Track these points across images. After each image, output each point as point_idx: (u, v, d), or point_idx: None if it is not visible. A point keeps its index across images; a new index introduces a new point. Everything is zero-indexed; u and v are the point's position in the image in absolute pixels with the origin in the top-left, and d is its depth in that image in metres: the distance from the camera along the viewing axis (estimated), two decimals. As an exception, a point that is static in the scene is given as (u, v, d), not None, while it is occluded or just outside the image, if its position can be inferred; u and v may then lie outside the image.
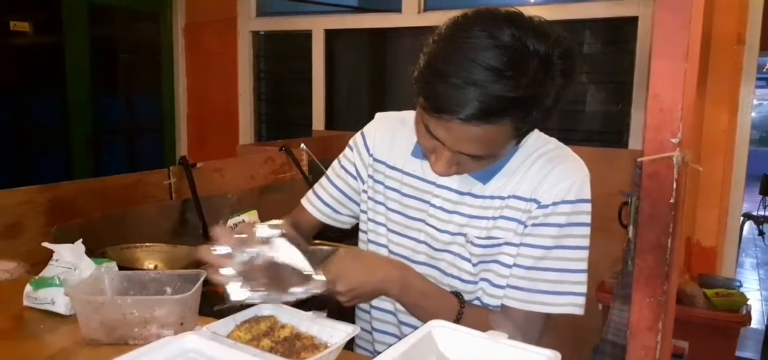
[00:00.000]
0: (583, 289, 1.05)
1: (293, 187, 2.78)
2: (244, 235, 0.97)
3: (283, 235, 0.99)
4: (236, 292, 0.95)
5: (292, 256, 0.98)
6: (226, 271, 0.96)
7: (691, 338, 2.49)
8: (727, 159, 2.91)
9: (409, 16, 3.51)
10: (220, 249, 0.96)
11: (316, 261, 1.01)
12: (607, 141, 3.22)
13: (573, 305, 1.04)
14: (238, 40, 4.08)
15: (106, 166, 3.78)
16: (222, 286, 0.96)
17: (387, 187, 1.20)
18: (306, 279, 0.98)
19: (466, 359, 0.87)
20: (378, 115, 1.28)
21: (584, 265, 1.05)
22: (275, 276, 0.98)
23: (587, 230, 1.05)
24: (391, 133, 1.22)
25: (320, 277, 0.99)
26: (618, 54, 3.17)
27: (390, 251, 1.19)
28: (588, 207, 1.05)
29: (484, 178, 1.09)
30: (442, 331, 0.90)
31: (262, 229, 0.98)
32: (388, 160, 1.21)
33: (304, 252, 0.99)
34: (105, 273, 1.12)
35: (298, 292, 0.98)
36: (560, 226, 1.03)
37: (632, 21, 2.99)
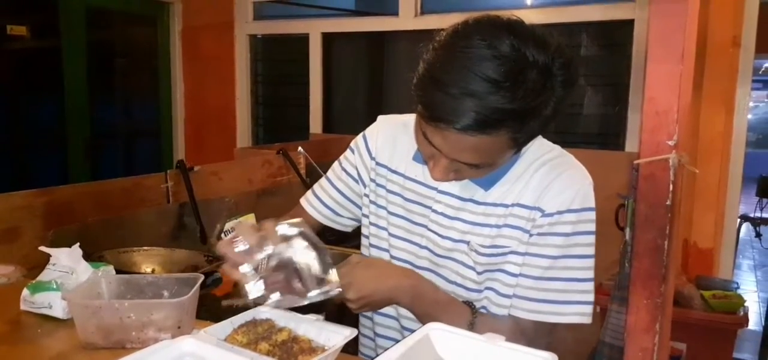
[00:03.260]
0: (590, 297, 1.04)
1: (291, 191, 2.78)
2: (264, 233, 0.97)
3: (301, 235, 0.98)
4: (255, 290, 0.95)
5: (308, 258, 0.97)
6: (245, 268, 0.95)
7: (689, 340, 2.50)
8: (723, 161, 2.92)
9: (406, 20, 3.51)
10: (241, 245, 0.95)
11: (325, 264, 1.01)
12: (603, 143, 3.23)
13: (580, 314, 1.04)
14: (235, 43, 4.08)
15: (103, 170, 3.77)
16: (240, 283, 0.96)
17: (389, 191, 1.19)
18: (321, 282, 0.98)
19: (463, 362, 0.87)
20: (380, 118, 1.27)
21: (591, 273, 1.05)
22: (292, 277, 0.97)
23: (592, 238, 1.05)
24: (393, 136, 1.21)
25: (336, 281, 0.98)
26: (614, 57, 3.18)
27: (391, 256, 1.18)
28: (592, 215, 1.04)
29: (486, 185, 1.08)
30: (439, 333, 0.90)
31: (283, 228, 0.97)
32: (390, 163, 1.20)
33: (322, 253, 0.99)
34: (102, 277, 1.12)
35: (314, 295, 0.98)
36: (566, 235, 1.03)
37: (628, 24, 3.00)
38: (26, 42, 3.45)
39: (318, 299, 0.98)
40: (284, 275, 0.97)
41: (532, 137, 1.00)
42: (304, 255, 0.97)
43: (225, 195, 2.42)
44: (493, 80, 0.86)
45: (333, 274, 0.99)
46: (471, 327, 1.04)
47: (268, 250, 0.96)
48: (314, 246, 0.98)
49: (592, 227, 1.05)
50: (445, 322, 0.93)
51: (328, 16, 3.95)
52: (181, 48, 4.24)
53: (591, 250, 1.05)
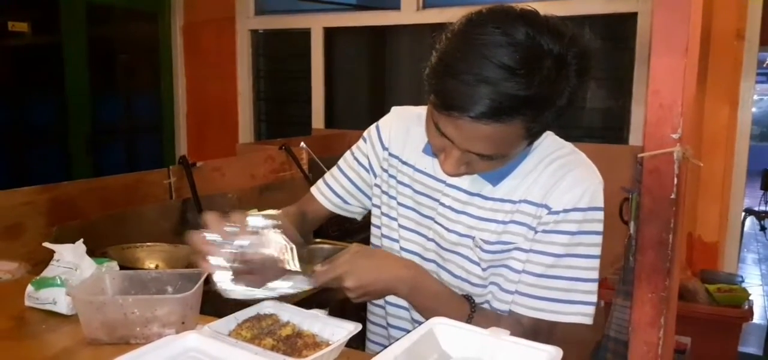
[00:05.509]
0: (593, 298, 1.03)
1: (293, 186, 2.78)
2: (235, 225, 0.96)
3: (276, 227, 0.98)
4: (223, 281, 0.95)
5: (280, 251, 0.97)
6: (215, 260, 0.95)
7: (694, 334, 2.49)
8: (727, 154, 2.91)
9: (408, 14, 3.50)
10: (211, 236, 0.95)
11: (317, 260, 1.01)
12: (607, 137, 3.22)
13: (582, 315, 1.03)
14: (237, 38, 4.07)
15: (105, 166, 3.77)
16: (209, 273, 0.96)
17: (399, 182, 1.19)
18: (292, 275, 0.97)
19: (467, 356, 0.87)
20: (394, 109, 1.26)
21: (595, 274, 1.03)
22: (263, 269, 0.97)
23: (599, 238, 1.03)
24: (406, 127, 1.21)
25: (306, 275, 0.98)
26: (617, 50, 3.16)
27: (401, 247, 1.18)
28: (600, 215, 1.03)
29: (495, 180, 1.07)
30: (443, 328, 0.90)
31: (255, 220, 0.97)
32: (402, 155, 1.20)
33: (298, 245, 0.99)
34: (106, 273, 1.12)
35: (282, 287, 0.97)
36: (571, 234, 1.02)
37: (632, 17, 2.99)
38: (27, 38, 3.45)
39: (285, 292, 0.98)
40: (253, 266, 0.97)
41: (546, 128, 0.98)
42: (275, 247, 0.97)
43: (227, 191, 2.43)
44: (508, 67, 0.85)
45: (303, 267, 0.98)
46: (469, 321, 1.04)
47: (240, 241, 0.95)
48: (288, 239, 0.98)
49: (599, 227, 1.03)
50: (443, 315, 0.93)
51: (329, 10, 3.94)
52: (183, 43, 4.24)
53: (596, 251, 1.03)
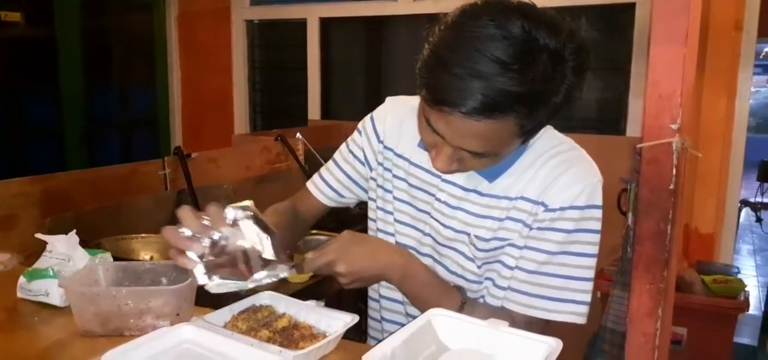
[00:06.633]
0: (587, 297, 1.01)
1: (289, 177, 2.77)
2: (209, 218, 0.94)
3: (251, 217, 0.95)
4: (201, 277, 0.92)
5: (256, 241, 0.95)
6: (191, 255, 0.92)
7: (690, 325, 2.50)
8: (724, 146, 2.91)
9: (405, 4, 3.49)
10: (185, 231, 0.92)
11: (311, 249, 0.99)
12: (604, 128, 3.21)
13: (574, 314, 1.01)
14: (232, 29, 4.05)
15: (100, 158, 3.75)
16: (186, 269, 0.93)
17: (394, 176, 1.18)
18: (269, 264, 0.95)
19: (466, 347, 0.86)
20: (388, 99, 1.24)
21: (590, 273, 1.01)
22: (239, 260, 0.95)
23: (596, 237, 1.01)
24: (400, 119, 1.19)
25: (283, 263, 0.96)
26: (615, 41, 3.16)
27: (397, 242, 1.17)
28: (598, 213, 1.01)
29: (491, 176, 1.05)
30: (442, 319, 0.89)
31: (229, 212, 0.94)
32: (397, 147, 1.18)
33: (272, 235, 0.96)
34: (99, 264, 1.11)
35: (261, 276, 0.95)
36: (567, 232, 1.00)
37: (630, 7, 2.98)
38: (20, 29, 3.42)
39: (265, 281, 0.95)
40: (230, 259, 0.94)
41: (541, 126, 0.95)
42: (252, 238, 0.94)
43: (223, 182, 2.42)
44: (502, 61, 0.82)
45: (281, 257, 0.96)
46: (460, 312, 1.03)
47: (215, 234, 0.93)
48: (264, 228, 0.96)
49: (597, 226, 1.01)
50: (434, 304, 0.92)
51: (325, 0, 3.92)
52: (178, 35, 4.21)
53: (592, 249, 1.01)
